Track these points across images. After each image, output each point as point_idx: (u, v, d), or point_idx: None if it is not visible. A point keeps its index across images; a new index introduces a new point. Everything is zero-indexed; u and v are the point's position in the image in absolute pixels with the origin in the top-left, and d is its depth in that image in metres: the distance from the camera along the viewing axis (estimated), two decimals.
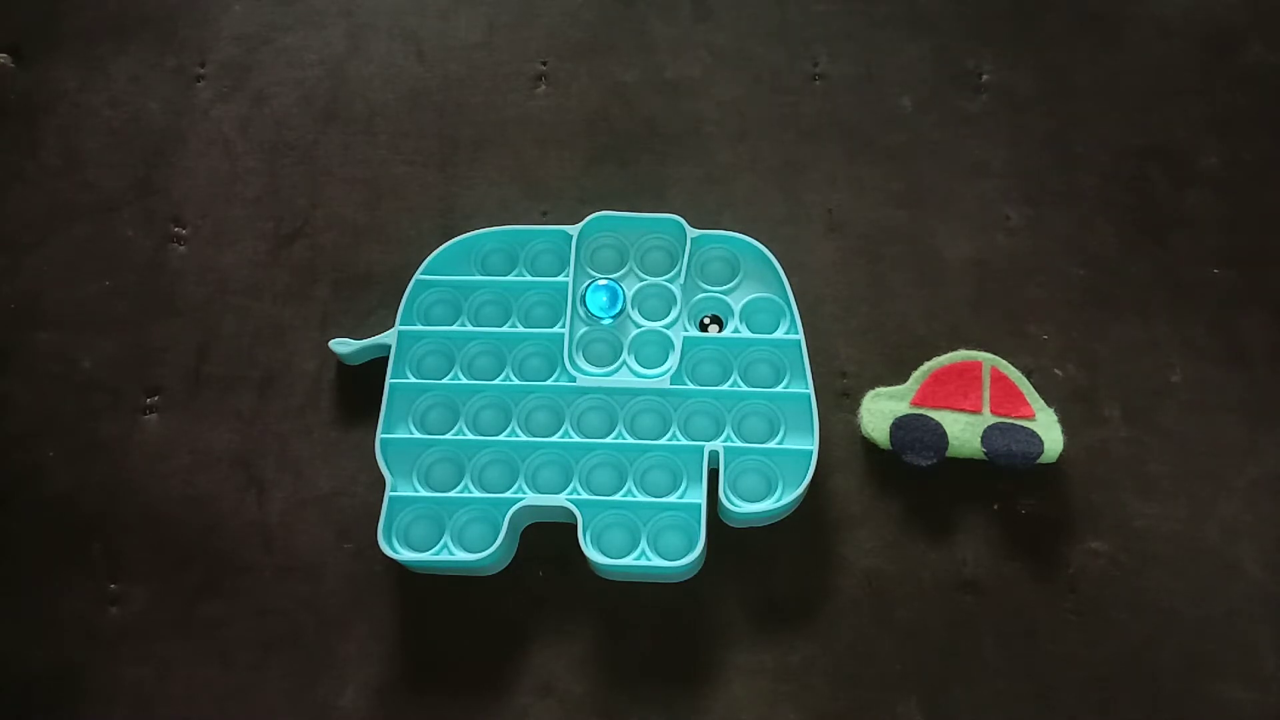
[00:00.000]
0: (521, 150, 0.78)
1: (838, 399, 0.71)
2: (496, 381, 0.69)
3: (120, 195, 0.77)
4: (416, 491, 0.67)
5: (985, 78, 0.79)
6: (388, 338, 0.70)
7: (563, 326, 0.70)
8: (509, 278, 0.72)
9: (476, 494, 0.67)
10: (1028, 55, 0.80)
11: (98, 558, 0.68)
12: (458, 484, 0.67)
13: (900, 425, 0.68)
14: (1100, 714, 0.64)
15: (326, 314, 0.73)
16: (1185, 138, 0.77)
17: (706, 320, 0.71)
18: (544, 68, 0.80)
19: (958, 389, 0.69)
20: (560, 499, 0.66)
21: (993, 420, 0.68)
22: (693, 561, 0.65)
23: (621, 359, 0.70)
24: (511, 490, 0.67)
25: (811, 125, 0.78)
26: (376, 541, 0.64)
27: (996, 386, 0.69)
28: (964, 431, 0.68)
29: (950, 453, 0.68)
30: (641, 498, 0.66)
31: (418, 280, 0.71)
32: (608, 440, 0.67)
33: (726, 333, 0.70)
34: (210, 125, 0.79)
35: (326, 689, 0.65)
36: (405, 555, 0.65)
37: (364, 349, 0.70)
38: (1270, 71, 0.79)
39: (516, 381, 0.69)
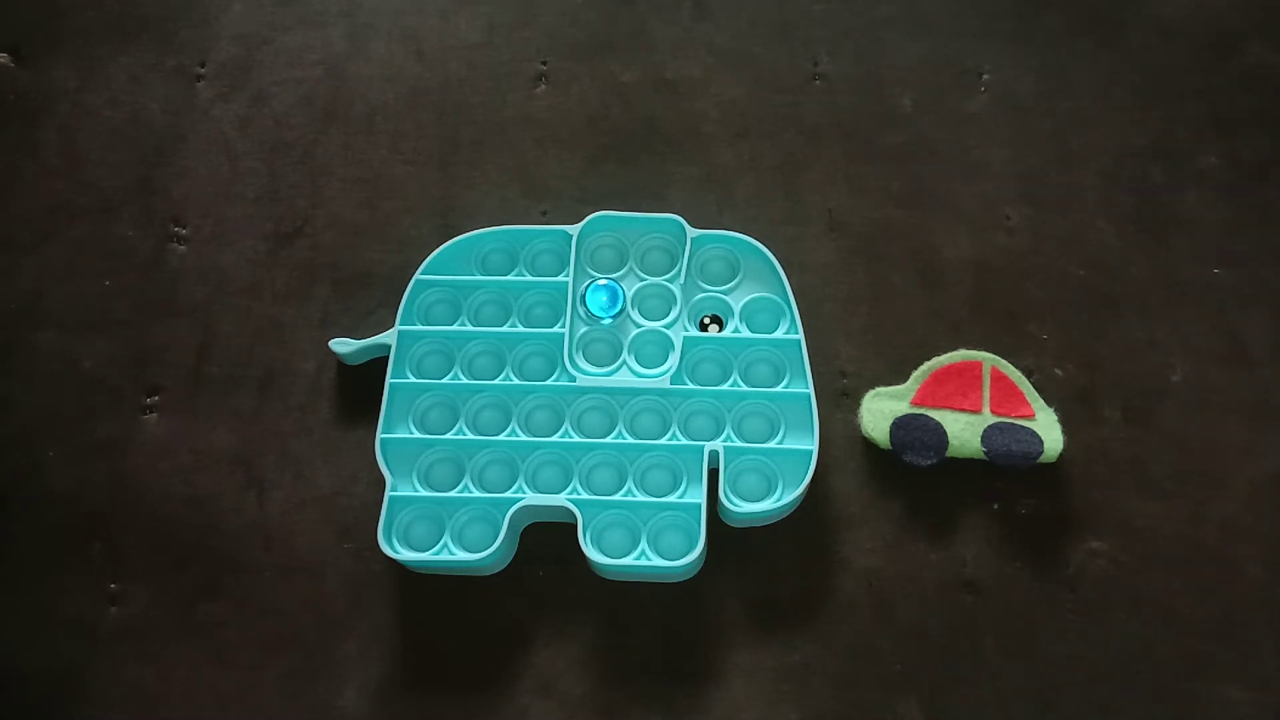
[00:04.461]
0: (521, 150, 0.78)
1: (838, 399, 0.71)
2: (496, 381, 0.69)
3: (120, 195, 0.77)
4: (416, 491, 0.67)
5: (985, 78, 0.79)
6: (388, 338, 0.70)
7: (563, 326, 0.70)
8: (509, 278, 0.72)
9: (476, 494, 0.67)
10: (1028, 55, 0.80)
11: (98, 558, 0.68)
12: (458, 484, 0.67)
13: (900, 425, 0.68)
14: (1100, 714, 0.64)
15: (326, 314, 0.73)
16: (1185, 138, 0.77)
17: (706, 320, 0.71)
18: (544, 68, 0.80)
19: (958, 389, 0.69)
20: (560, 499, 0.66)
21: (993, 420, 0.68)
22: (693, 561, 0.65)
23: (621, 359, 0.70)
24: (511, 490, 0.67)
25: (811, 125, 0.78)
26: (376, 541, 0.64)
27: (996, 386, 0.69)
28: (964, 431, 0.68)
29: (950, 453, 0.68)
30: (641, 498, 0.66)
31: (418, 280, 0.71)
32: (608, 440, 0.67)
33: (726, 333, 0.70)
34: (210, 125, 0.79)
35: (326, 689, 0.65)
36: (405, 555, 0.65)
37: (364, 349, 0.70)
38: (1270, 71, 0.79)
39: (516, 381, 0.69)
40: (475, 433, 0.68)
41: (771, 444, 0.67)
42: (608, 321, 0.70)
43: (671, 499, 0.66)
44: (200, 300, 0.74)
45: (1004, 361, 0.70)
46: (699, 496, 0.66)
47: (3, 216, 0.76)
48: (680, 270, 0.71)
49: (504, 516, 0.65)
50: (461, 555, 0.65)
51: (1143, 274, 0.74)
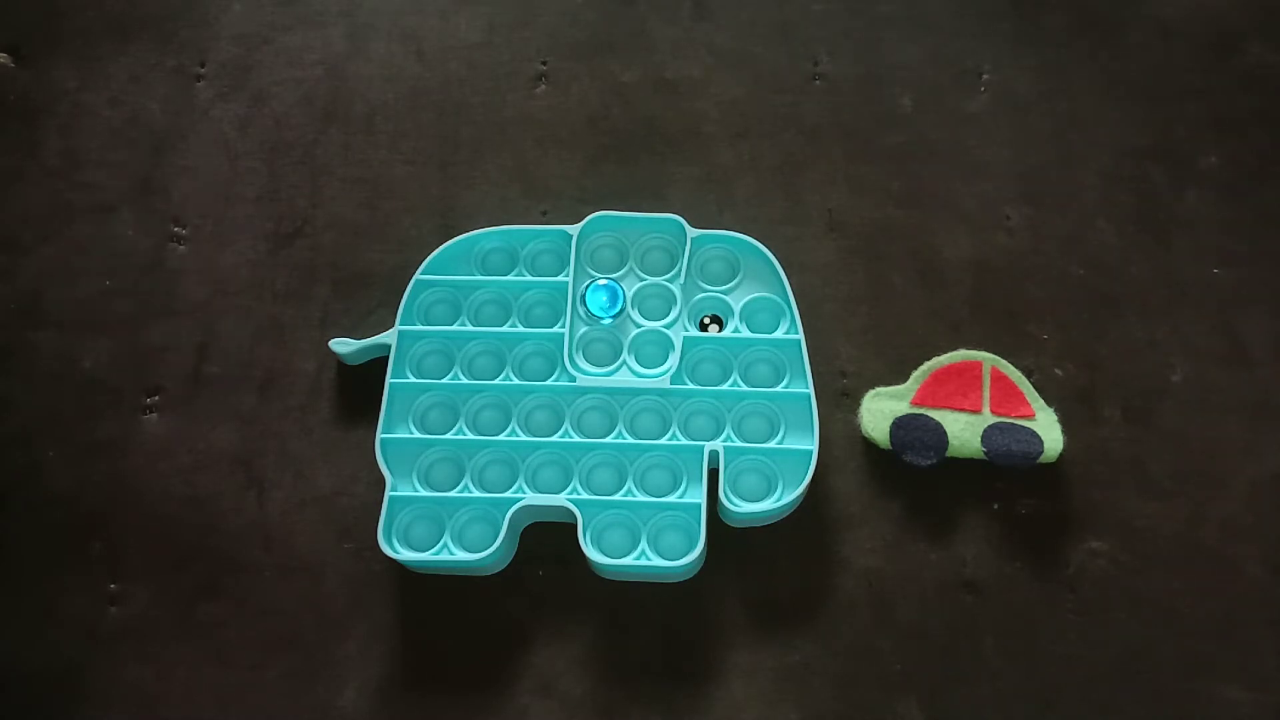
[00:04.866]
0: (521, 150, 0.78)
1: (838, 399, 0.71)
2: (496, 381, 0.69)
3: (120, 195, 0.77)
4: (416, 491, 0.67)
5: (985, 78, 0.79)
6: (388, 338, 0.70)
7: (563, 326, 0.70)
8: (509, 278, 0.72)
9: (476, 494, 0.67)
10: (1028, 55, 0.80)
11: (98, 558, 0.68)
12: (458, 484, 0.67)
13: (900, 425, 0.68)
14: (1100, 714, 0.64)
15: (326, 314, 0.73)
16: (1185, 138, 0.77)
17: (706, 320, 0.71)
18: (544, 68, 0.80)
19: (958, 389, 0.69)
20: (560, 499, 0.66)
21: (993, 420, 0.68)
22: (693, 561, 0.65)
23: (621, 359, 0.70)
24: (511, 490, 0.66)
25: (811, 125, 0.78)
26: (376, 541, 0.64)
27: (996, 386, 0.69)
28: (964, 431, 0.68)
29: (950, 453, 0.68)
30: (641, 498, 0.66)
31: (418, 280, 0.71)
32: (608, 440, 0.67)
33: (726, 332, 0.70)
34: (210, 125, 0.79)
35: (326, 689, 0.65)
36: (405, 555, 0.65)
37: (364, 349, 0.70)
38: (1270, 71, 0.79)
39: (516, 381, 0.69)
40: (475, 433, 0.68)
41: (771, 444, 0.67)
42: (608, 321, 0.70)
43: (671, 499, 0.66)
44: (200, 300, 0.74)
45: (1004, 361, 0.70)
46: (699, 496, 0.66)
47: (3, 216, 0.76)
48: (680, 270, 0.71)
49: (504, 516, 0.65)
50: (461, 555, 0.65)
51: (1143, 274, 0.74)
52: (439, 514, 0.66)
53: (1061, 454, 0.67)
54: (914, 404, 0.69)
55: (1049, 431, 0.68)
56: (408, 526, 0.66)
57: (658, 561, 0.65)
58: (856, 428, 0.69)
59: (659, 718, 0.64)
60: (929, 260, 0.74)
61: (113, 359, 0.72)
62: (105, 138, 0.78)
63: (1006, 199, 0.76)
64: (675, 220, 0.72)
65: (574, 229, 0.72)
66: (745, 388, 0.68)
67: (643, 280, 0.72)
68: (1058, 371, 0.71)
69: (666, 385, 0.68)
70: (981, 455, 0.67)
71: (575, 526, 0.65)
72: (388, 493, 0.66)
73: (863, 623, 0.66)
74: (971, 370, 0.70)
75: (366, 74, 0.80)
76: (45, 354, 0.72)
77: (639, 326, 0.70)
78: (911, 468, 0.67)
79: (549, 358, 0.70)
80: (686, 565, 0.65)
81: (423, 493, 0.67)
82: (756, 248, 0.71)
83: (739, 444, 0.67)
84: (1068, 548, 0.67)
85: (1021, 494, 0.68)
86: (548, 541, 0.67)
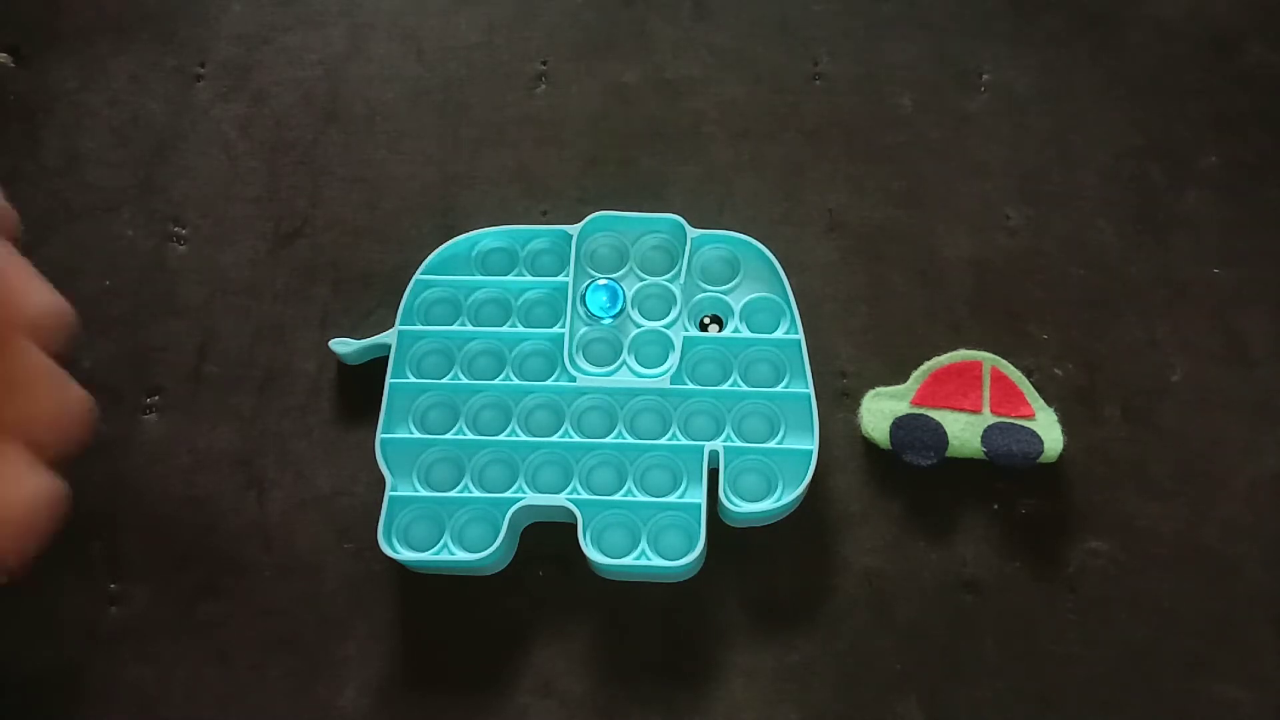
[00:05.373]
0: (521, 150, 0.78)
1: (838, 399, 0.71)
2: (496, 381, 0.69)
3: (120, 195, 0.77)
4: (416, 491, 0.67)
5: (985, 78, 0.79)
6: (388, 337, 0.70)
7: (563, 326, 0.70)
8: (509, 278, 0.72)
9: (476, 494, 0.67)
10: (1028, 55, 0.80)
11: (98, 558, 0.68)
12: (458, 484, 0.67)
13: (900, 425, 0.68)
14: (1100, 714, 0.64)
15: (326, 314, 0.73)
16: (1185, 138, 0.77)
17: (706, 320, 0.71)
18: (544, 68, 0.80)
19: (958, 389, 0.69)
20: (560, 499, 0.65)
21: (993, 420, 0.68)
22: (693, 561, 0.64)
23: (621, 359, 0.70)
24: (511, 490, 0.66)
25: (811, 125, 0.78)
26: (376, 541, 0.64)
27: (996, 386, 0.69)
28: (964, 431, 0.68)
29: (950, 453, 0.68)
30: (641, 497, 0.66)
31: (418, 280, 0.71)
32: (608, 440, 0.67)
33: (726, 332, 0.70)
34: (210, 125, 0.79)
35: (326, 689, 0.65)
36: (405, 555, 0.65)
37: (364, 349, 0.70)
38: (1270, 71, 0.79)
39: (516, 381, 0.69)
40: (475, 433, 0.68)
41: (771, 444, 0.67)
42: (608, 321, 0.70)
43: (671, 499, 0.66)
44: (200, 300, 0.74)
45: (1004, 361, 0.70)
46: (699, 496, 0.66)
47: None
48: (680, 270, 0.71)
49: (504, 516, 0.65)
50: (461, 555, 0.65)
51: (1143, 274, 0.74)
52: (439, 514, 0.66)
53: (1061, 454, 0.67)
54: (914, 404, 0.69)
55: (1049, 431, 0.68)
56: (408, 526, 0.66)
57: (658, 561, 0.65)
58: (856, 428, 0.69)
59: (659, 718, 0.64)
60: (929, 260, 0.74)
61: (113, 359, 0.72)
62: (105, 138, 0.78)
63: (1006, 199, 0.76)
64: (675, 220, 0.72)
65: (574, 229, 0.72)
66: (745, 388, 0.68)
67: (643, 280, 0.71)
68: (1058, 371, 0.71)
69: (666, 385, 0.68)
70: (981, 455, 0.67)
71: (575, 526, 0.65)
72: (388, 493, 0.66)
73: (863, 623, 0.66)
74: (971, 370, 0.70)
75: (366, 74, 0.80)
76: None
77: (639, 326, 0.70)
78: (911, 468, 0.67)
79: (549, 358, 0.70)
80: (686, 565, 0.65)
81: (423, 493, 0.67)
82: (756, 248, 0.71)
83: (739, 444, 0.67)
84: (1068, 548, 0.67)
85: (1021, 494, 0.68)
86: (548, 541, 0.67)
